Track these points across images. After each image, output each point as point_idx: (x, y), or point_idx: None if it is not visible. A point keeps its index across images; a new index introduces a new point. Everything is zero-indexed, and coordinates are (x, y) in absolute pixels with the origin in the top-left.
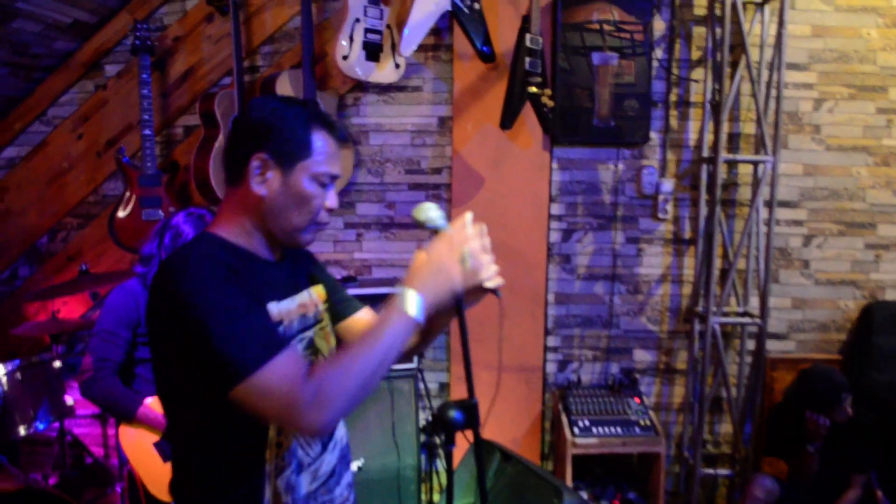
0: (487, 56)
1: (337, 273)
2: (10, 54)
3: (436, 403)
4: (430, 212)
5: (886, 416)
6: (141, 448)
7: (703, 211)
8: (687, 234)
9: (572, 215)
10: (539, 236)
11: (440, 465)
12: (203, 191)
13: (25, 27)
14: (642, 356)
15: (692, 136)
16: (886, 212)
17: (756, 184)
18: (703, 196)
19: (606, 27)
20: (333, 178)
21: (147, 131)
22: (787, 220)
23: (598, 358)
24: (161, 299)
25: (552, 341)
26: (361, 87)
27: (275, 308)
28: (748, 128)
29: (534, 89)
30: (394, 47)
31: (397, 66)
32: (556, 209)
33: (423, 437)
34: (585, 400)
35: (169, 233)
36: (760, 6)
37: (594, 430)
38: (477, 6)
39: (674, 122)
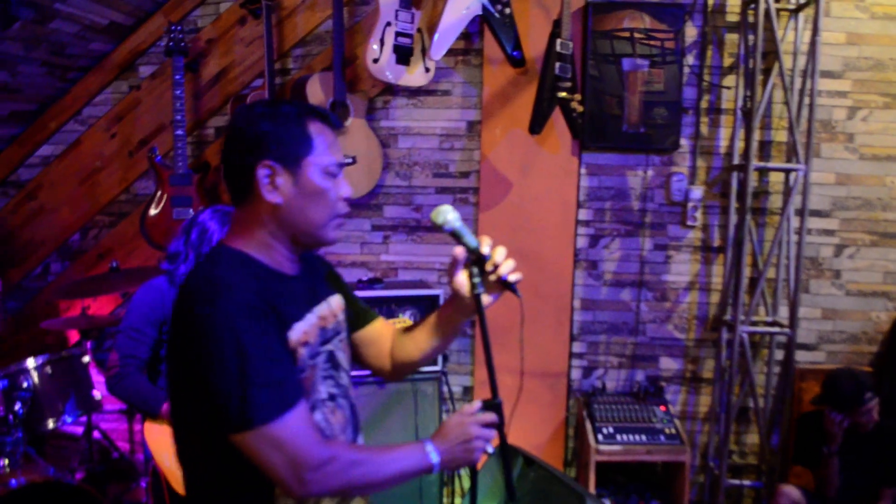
0: (517, 61)
1: (363, 275)
2: (47, 54)
3: (459, 407)
4: (448, 214)
5: None
6: (165, 444)
7: (733, 219)
8: (716, 242)
9: (600, 221)
10: (566, 242)
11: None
12: None
13: (63, 28)
14: (668, 364)
15: (723, 144)
16: None
17: (787, 192)
18: (734, 204)
19: (637, 34)
20: (341, 165)
21: (179, 131)
22: (818, 229)
23: (624, 365)
24: (183, 322)
25: (577, 347)
26: (391, 90)
27: (300, 327)
28: (780, 135)
29: (563, 94)
30: (424, 51)
31: (427, 69)
32: (583, 215)
33: None
34: (610, 407)
35: (195, 229)
36: (794, 13)
37: (618, 437)
38: (508, 11)
39: (704, 129)
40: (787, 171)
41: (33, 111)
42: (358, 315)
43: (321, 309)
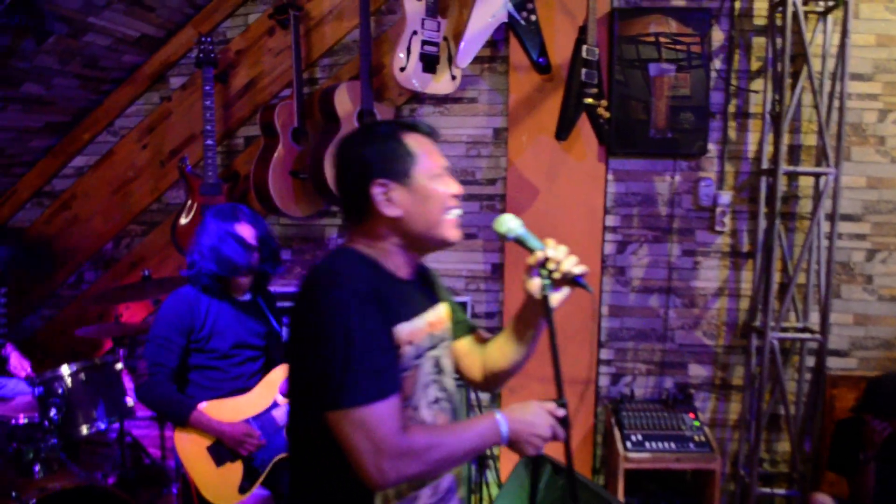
0: (543, 67)
1: None
2: (80, 67)
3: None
4: (510, 223)
5: None
6: (195, 452)
7: (762, 224)
8: (745, 248)
9: (627, 227)
10: (593, 248)
11: (490, 476)
12: (262, 199)
13: (96, 41)
14: (697, 371)
15: (751, 148)
16: None
17: (817, 197)
18: (763, 209)
19: (663, 39)
20: (444, 168)
21: (209, 141)
22: (849, 233)
23: (652, 372)
24: (302, 306)
25: (605, 354)
26: (418, 98)
27: (406, 328)
28: (809, 139)
29: (590, 100)
30: (450, 59)
31: (453, 77)
32: (610, 221)
33: None
34: (638, 414)
35: (199, 231)
36: (823, 15)
37: (647, 444)
38: (533, 18)
39: (732, 134)
40: (817, 175)
41: (67, 123)
42: (457, 325)
43: (430, 315)
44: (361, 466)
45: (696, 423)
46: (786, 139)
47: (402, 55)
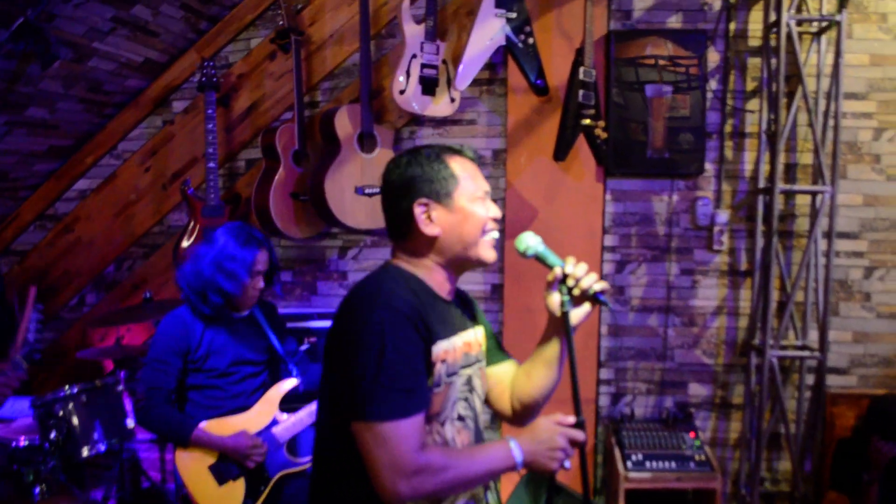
0: (541, 89)
1: None
2: (84, 91)
3: (488, 435)
4: (529, 240)
5: None
6: (196, 471)
7: (760, 242)
8: (743, 266)
9: (626, 247)
10: (592, 268)
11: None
12: (263, 221)
13: (100, 66)
14: (697, 390)
15: (748, 167)
16: None
17: (814, 214)
18: (760, 227)
19: (660, 61)
20: (486, 192)
21: (211, 164)
22: (847, 251)
23: (652, 391)
24: (343, 319)
25: (605, 374)
26: (417, 120)
27: (443, 345)
28: (805, 158)
29: (587, 121)
30: (449, 82)
31: (452, 100)
32: (609, 241)
33: None
34: (639, 434)
35: (193, 258)
36: (816, 36)
37: (648, 464)
38: (531, 41)
39: (729, 153)
40: (814, 194)
41: (70, 146)
42: (491, 352)
43: (467, 335)
44: (378, 480)
45: (697, 443)
46: (782, 158)
47: (401, 78)
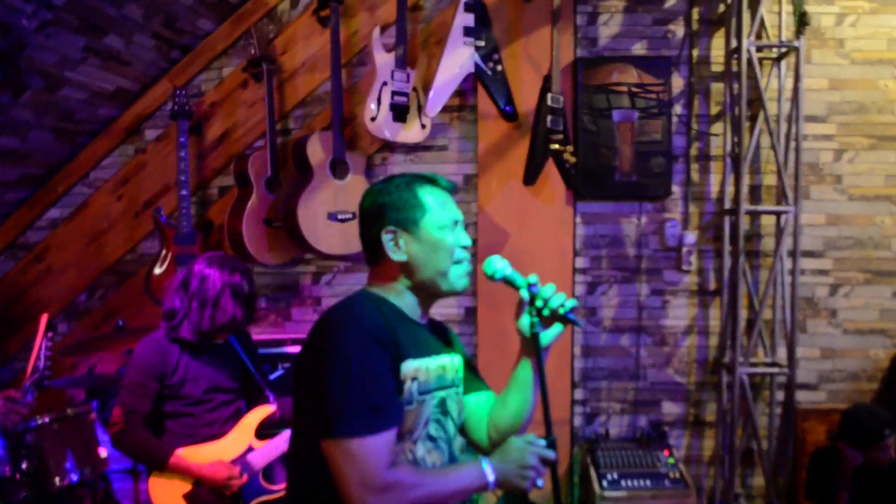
0: (510, 115)
1: None
2: (56, 120)
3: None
4: (496, 264)
5: None
6: (171, 500)
7: (728, 262)
8: (712, 286)
9: (597, 269)
10: (564, 290)
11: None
12: (236, 248)
13: (72, 95)
14: (671, 408)
15: (714, 189)
16: None
17: (779, 234)
18: (727, 247)
19: (625, 87)
20: (456, 221)
21: (184, 192)
22: (812, 269)
23: (626, 410)
24: (312, 340)
25: (579, 394)
26: (389, 147)
27: (413, 364)
28: (769, 179)
29: (556, 146)
30: (420, 108)
31: (423, 126)
32: (580, 263)
33: None
34: (614, 453)
35: (194, 280)
36: (777, 61)
37: (623, 483)
38: (500, 68)
39: (695, 176)
40: (778, 214)
41: (42, 175)
42: (467, 382)
43: (441, 360)
44: (348, 497)
45: (671, 460)
46: (746, 180)
47: (372, 105)
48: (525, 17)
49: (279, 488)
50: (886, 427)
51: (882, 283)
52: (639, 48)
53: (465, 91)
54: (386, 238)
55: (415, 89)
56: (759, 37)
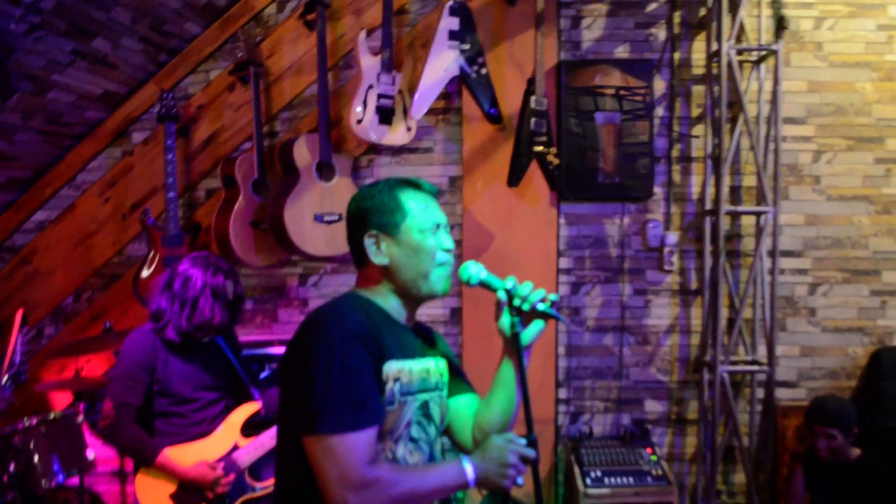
0: (495, 118)
1: None
2: (43, 123)
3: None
4: (471, 269)
5: None
6: (157, 499)
7: (709, 262)
8: (693, 285)
9: (580, 269)
10: (548, 290)
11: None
12: (223, 250)
13: (59, 98)
14: (653, 406)
15: (695, 190)
16: (890, 258)
17: (759, 234)
18: (708, 247)
19: (608, 89)
20: (437, 224)
21: (171, 194)
22: (791, 268)
23: (610, 409)
24: (297, 340)
25: (563, 393)
26: (375, 149)
27: (395, 365)
28: (749, 180)
29: (540, 148)
30: (405, 111)
31: (409, 129)
32: (564, 263)
33: None
34: (597, 451)
35: (178, 280)
36: (756, 64)
37: (606, 480)
38: (484, 71)
39: (677, 177)
40: (758, 214)
41: (29, 178)
42: (453, 384)
43: (426, 362)
44: (327, 493)
45: (654, 458)
46: (727, 181)
47: (358, 108)
48: (509, 21)
49: (265, 485)
50: (827, 416)
51: (860, 281)
52: (621, 51)
53: (450, 94)
54: (368, 242)
55: (400, 92)
56: (738, 40)
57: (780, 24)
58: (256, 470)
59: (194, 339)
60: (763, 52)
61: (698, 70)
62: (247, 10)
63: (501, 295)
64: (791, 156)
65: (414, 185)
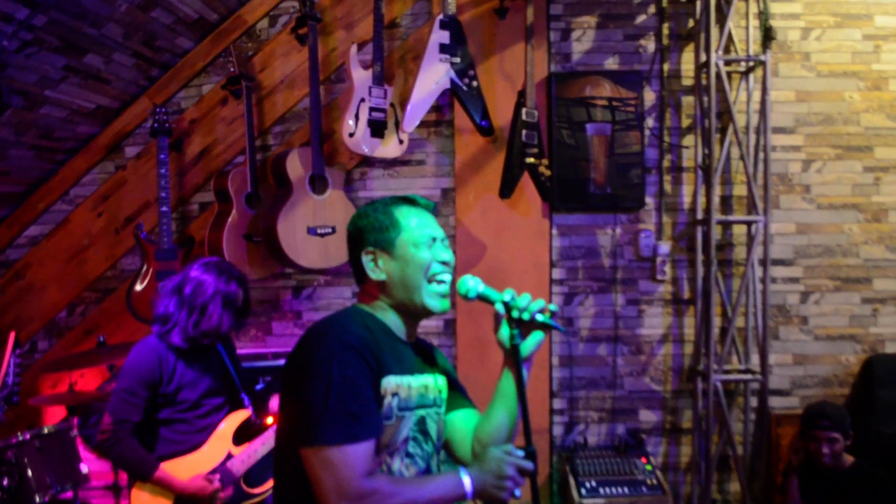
0: (486, 130)
1: None
2: (36, 138)
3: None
4: (468, 283)
5: (895, 470)
6: None
7: (701, 271)
8: (686, 294)
9: (573, 279)
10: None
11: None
12: None
13: (52, 113)
14: (648, 416)
15: (686, 200)
16: (881, 266)
17: (750, 243)
18: (700, 257)
19: (599, 101)
20: (434, 238)
21: (164, 208)
22: (783, 277)
23: (604, 419)
24: (299, 351)
25: (557, 404)
26: (368, 162)
27: (394, 380)
28: (740, 189)
29: (531, 160)
30: (397, 124)
31: (401, 141)
32: (557, 274)
33: None
34: (592, 461)
35: (189, 285)
36: (745, 75)
37: (601, 490)
38: (475, 84)
39: (668, 187)
40: (749, 223)
41: (21, 193)
42: (452, 399)
43: (424, 379)
44: (323, 501)
45: (649, 467)
46: (718, 190)
47: (350, 121)
48: (500, 34)
49: (261, 491)
50: (825, 420)
51: (851, 289)
52: (611, 63)
53: (441, 106)
54: (366, 259)
55: (392, 105)
56: (727, 51)
57: (768, 35)
58: (250, 477)
59: (198, 344)
60: (751, 63)
61: (687, 81)
62: (238, 24)
63: (499, 307)
64: (781, 165)
65: (409, 201)
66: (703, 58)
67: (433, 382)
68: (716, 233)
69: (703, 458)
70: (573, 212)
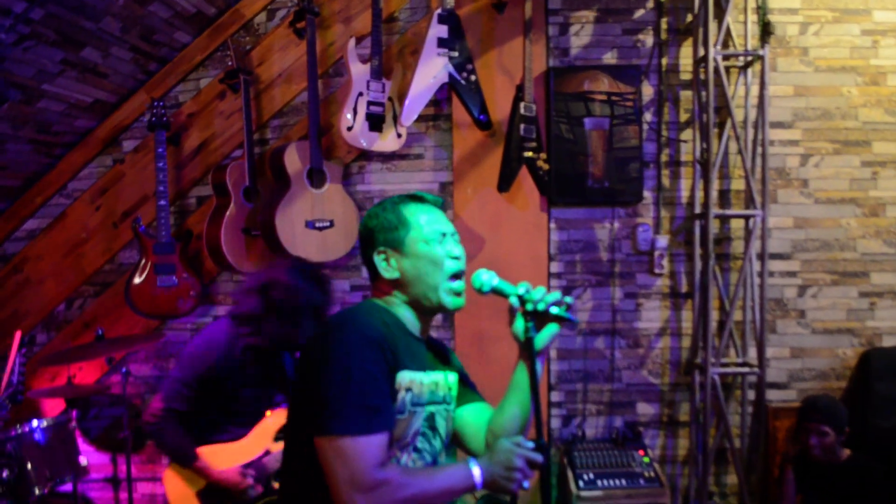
0: (484, 124)
1: None
2: (33, 132)
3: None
4: (482, 276)
5: (891, 463)
6: (184, 494)
7: (698, 265)
8: (684, 288)
9: (571, 273)
10: None
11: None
12: (215, 257)
13: (49, 107)
14: (645, 409)
15: (684, 194)
16: (878, 260)
17: (748, 237)
18: (698, 251)
19: (597, 95)
20: (444, 234)
21: (162, 202)
22: (781, 271)
23: (602, 412)
24: (315, 344)
25: (556, 396)
26: (366, 156)
27: (408, 375)
28: (738, 184)
29: (529, 154)
30: (395, 118)
31: (399, 135)
32: (555, 267)
33: None
34: (590, 454)
35: (279, 289)
36: (743, 69)
37: (599, 482)
38: (473, 78)
39: (666, 181)
40: (746, 218)
41: (19, 186)
42: (463, 394)
43: (436, 376)
44: (337, 494)
45: (646, 460)
46: (716, 184)
47: (349, 115)
48: (498, 28)
49: None
50: (819, 414)
51: (848, 283)
52: (609, 57)
53: (439, 101)
54: (378, 259)
55: (390, 99)
56: (725, 46)
57: (766, 30)
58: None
59: (277, 349)
60: (749, 58)
61: (686, 75)
62: (237, 18)
63: (514, 301)
64: (779, 159)
65: (417, 198)
66: (701, 52)
67: (444, 380)
68: (714, 227)
69: (700, 450)
70: (571, 206)
